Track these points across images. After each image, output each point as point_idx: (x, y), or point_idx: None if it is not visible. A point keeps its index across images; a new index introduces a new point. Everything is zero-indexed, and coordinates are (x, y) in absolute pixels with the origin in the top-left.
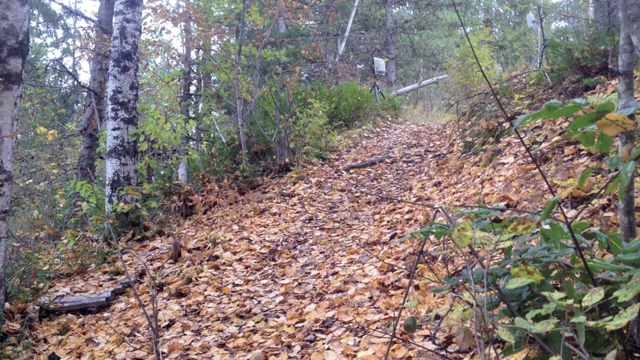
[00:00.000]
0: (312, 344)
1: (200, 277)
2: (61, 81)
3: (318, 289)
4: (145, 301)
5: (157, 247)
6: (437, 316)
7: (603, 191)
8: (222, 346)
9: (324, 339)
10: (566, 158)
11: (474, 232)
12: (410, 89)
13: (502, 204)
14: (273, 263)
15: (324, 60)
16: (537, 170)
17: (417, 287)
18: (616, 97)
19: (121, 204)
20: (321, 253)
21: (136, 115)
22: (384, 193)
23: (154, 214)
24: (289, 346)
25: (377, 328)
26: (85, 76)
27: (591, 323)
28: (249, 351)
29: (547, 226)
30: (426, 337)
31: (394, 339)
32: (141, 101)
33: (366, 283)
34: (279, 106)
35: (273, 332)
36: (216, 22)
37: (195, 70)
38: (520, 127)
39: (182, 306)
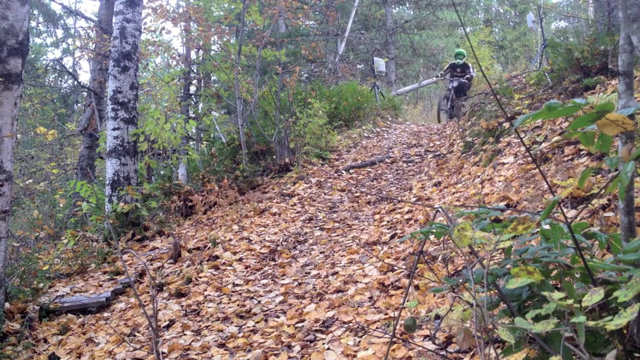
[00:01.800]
0: (312, 344)
1: (200, 277)
2: (61, 81)
3: (318, 289)
4: (145, 301)
5: (157, 247)
6: (437, 316)
7: (603, 191)
8: (222, 346)
9: (324, 339)
10: (566, 158)
11: (474, 232)
12: (410, 89)
13: (502, 204)
14: (273, 263)
15: (324, 60)
16: (537, 170)
17: (417, 287)
18: (616, 97)
19: (121, 204)
20: (321, 253)
21: (136, 115)
22: (384, 193)
23: (154, 214)
24: (289, 346)
25: (377, 328)
26: (85, 76)
27: (591, 323)
28: (249, 351)
29: (547, 226)
30: (426, 337)
31: (394, 339)
32: (141, 101)
33: (366, 283)
34: (279, 106)
35: (273, 332)
36: (216, 22)
37: (195, 70)
38: (520, 127)
39: (182, 306)
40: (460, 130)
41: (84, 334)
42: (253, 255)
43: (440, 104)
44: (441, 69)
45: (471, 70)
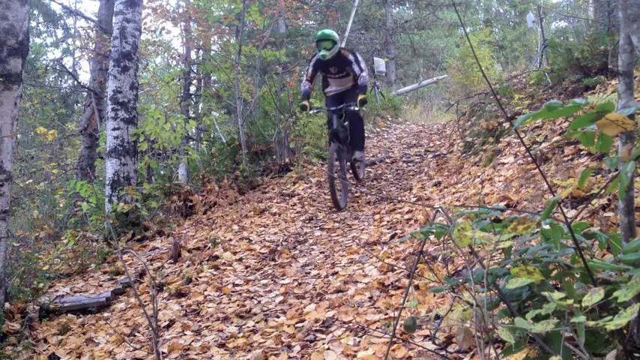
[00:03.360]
0: (312, 344)
1: (200, 277)
2: (61, 81)
3: (318, 289)
4: (145, 301)
5: (157, 247)
6: (437, 316)
7: (603, 191)
8: (222, 346)
9: (324, 339)
10: (566, 158)
11: (474, 232)
12: (410, 89)
13: (502, 204)
14: (273, 263)
15: None
16: (537, 170)
17: (417, 287)
18: (616, 97)
19: (121, 204)
20: (321, 253)
21: (136, 115)
22: (384, 193)
23: (153, 214)
24: (289, 346)
25: (377, 328)
26: (85, 76)
27: (591, 323)
28: (249, 351)
29: (547, 226)
30: (426, 337)
31: (394, 339)
32: (141, 101)
33: (366, 283)
34: (279, 106)
35: (273, 332)
36: (216, 22)
37: (195, 70)
38: (520, 127)
39: (182, 306)
40: (460, 130)
41: (84, 334)
42: (253, 255)
43: (332, 162)
44: (440, 69)
45: (357, 68)
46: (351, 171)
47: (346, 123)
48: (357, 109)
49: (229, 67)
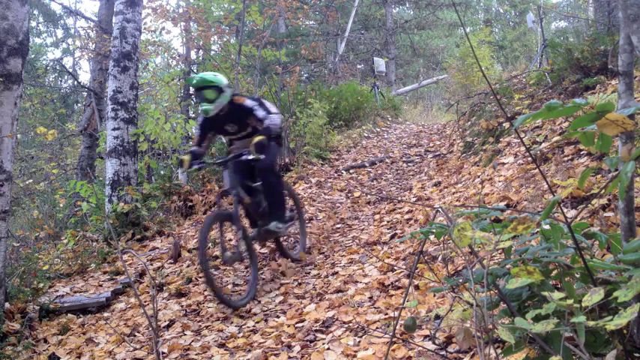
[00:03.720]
0: (312, 344)
1: (200, 277)
2: (61, 81)
3: (318, 289)
4: (145, 301)
5: (157, 247)
6: (437, 316)
7: (603, 191)
8: (222, 346)
9: (324, 339)
10: (566, 158)
11: (474, 232)
12: (410, 89)
13: (502, 204)
14: (273, 263)
15: (324, 60)
16: (537, 170)
17: (417, 287)
18: (616, 97)
19: (121, 204)
20: (321, 253)
21: (136, 115)
22: (384, 193)
23: (153, 214)
24: (289, 346)
25: (377, 328)
26: (85, 76)
27: (591, 323)
28: (249, 351)
29: (547, 226)
30: (426, 337)
31: (394, 339)
32: (141, 101)
33: (366, 283)
34: (279, 106)
35: (273, 332)
36: (216, 22)
37: (195, 70)
38: (520, 127)
39: (182, 306)
40: (460, 130)
41: (84, 334)
42: None
43: (203, 239)
44: (440, 69)
45: (262, 112)
46: (275, 246)
47: (258, 183)
48: (251, 157)
49: (229, 67)
